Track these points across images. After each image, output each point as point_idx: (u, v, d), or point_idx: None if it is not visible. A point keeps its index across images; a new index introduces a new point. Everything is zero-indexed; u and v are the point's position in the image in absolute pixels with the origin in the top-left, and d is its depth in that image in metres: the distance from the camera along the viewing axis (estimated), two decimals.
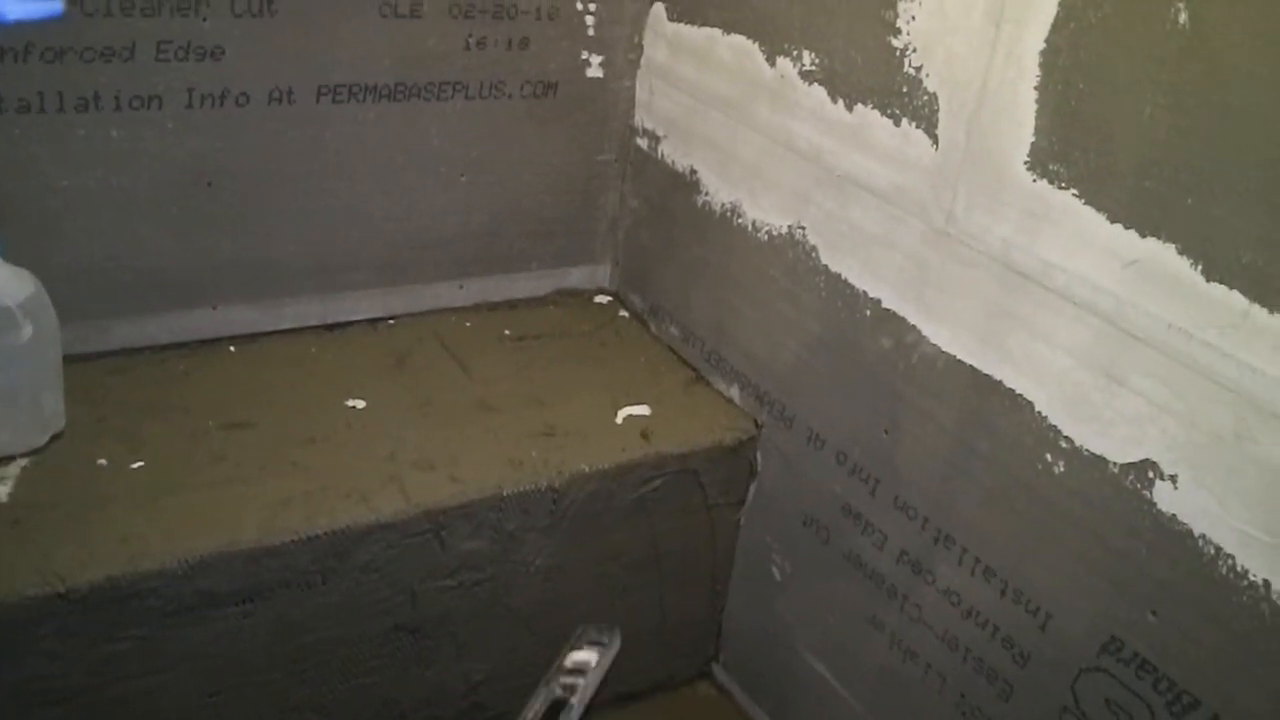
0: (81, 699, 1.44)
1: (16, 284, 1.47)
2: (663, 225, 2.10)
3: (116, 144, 1.67)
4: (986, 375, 1.45)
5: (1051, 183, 1.32)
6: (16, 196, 1.63)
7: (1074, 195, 1.29)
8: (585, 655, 1.60)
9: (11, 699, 1.39)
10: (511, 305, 2.19)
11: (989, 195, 1.41)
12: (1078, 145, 1.28)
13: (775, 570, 1.90)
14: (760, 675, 2.00)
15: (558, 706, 1.51)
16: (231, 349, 1.89)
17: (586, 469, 1.74)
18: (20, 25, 0.59)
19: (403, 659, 1.70)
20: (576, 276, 2.27)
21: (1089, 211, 1.28)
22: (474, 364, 1.97)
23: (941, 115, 1.46)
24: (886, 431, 1.62)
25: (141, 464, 1.58)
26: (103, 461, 1.57)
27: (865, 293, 1.63)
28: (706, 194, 1.95)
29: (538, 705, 1.51)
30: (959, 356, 1.49)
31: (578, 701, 1.52)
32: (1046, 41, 1.30)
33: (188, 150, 1.73)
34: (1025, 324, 1.38)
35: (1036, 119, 1.33)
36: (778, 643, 1.92)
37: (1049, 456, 1.38)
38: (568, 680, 1.56)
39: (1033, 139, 1.34)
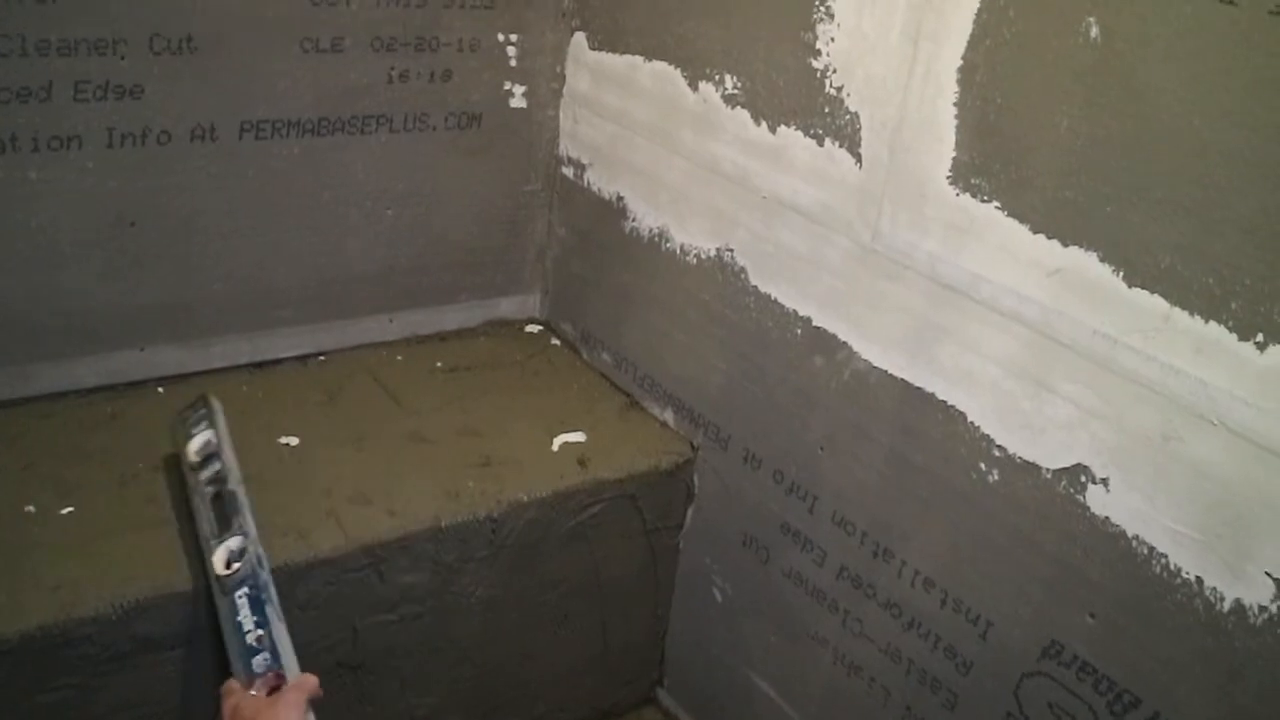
0: None
1: None
2: (591, 253, 2.11)
3: (35, 185, 1.65)
4: (918, 388, 1.47)
5: (974, 196, 1.35)
6: None
7: (996, 208, 1.32)
8: (201, 437, 1.59)
9: None
10: (442, 337, 2.18)
11: (914, 211, 1.43)
12: (998, 158, 1.31)
13: (716, 592, 1.90)
14: (706, 698, 2.00)
15: (221, 503, 1.49)
16: (160, 390, 1.86)
17: (524, 498, 1.73)
18: None
19: (346, 696, 1.68)
20: (507, 307, 2.27)
21: (1011, 223, 1.31)
22: (407, 397, 1.96)
23: (864, 134, 1.49)
24: (822, 448, 1.64)
25: (71, 509, 1.55)
26: (30, 508, 1.54)
27: (795, 311, 1.65)
28: (634, 220, 1.96)
29: (205, 514, 1.48)
30: (890, 371, 1.51)
31: (231, 480, 1.50)
32: (963, 58, 1.33)
33: (109, 190, 1.71)
34: (954, 336, 1.41)
35: (957, 134, 1.36)
36: (722, 664, 1.92)
37: (983, 465, 1.40)
38: (206, 474, 1.54)
39: (954, 154, 1.36)
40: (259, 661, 1.33)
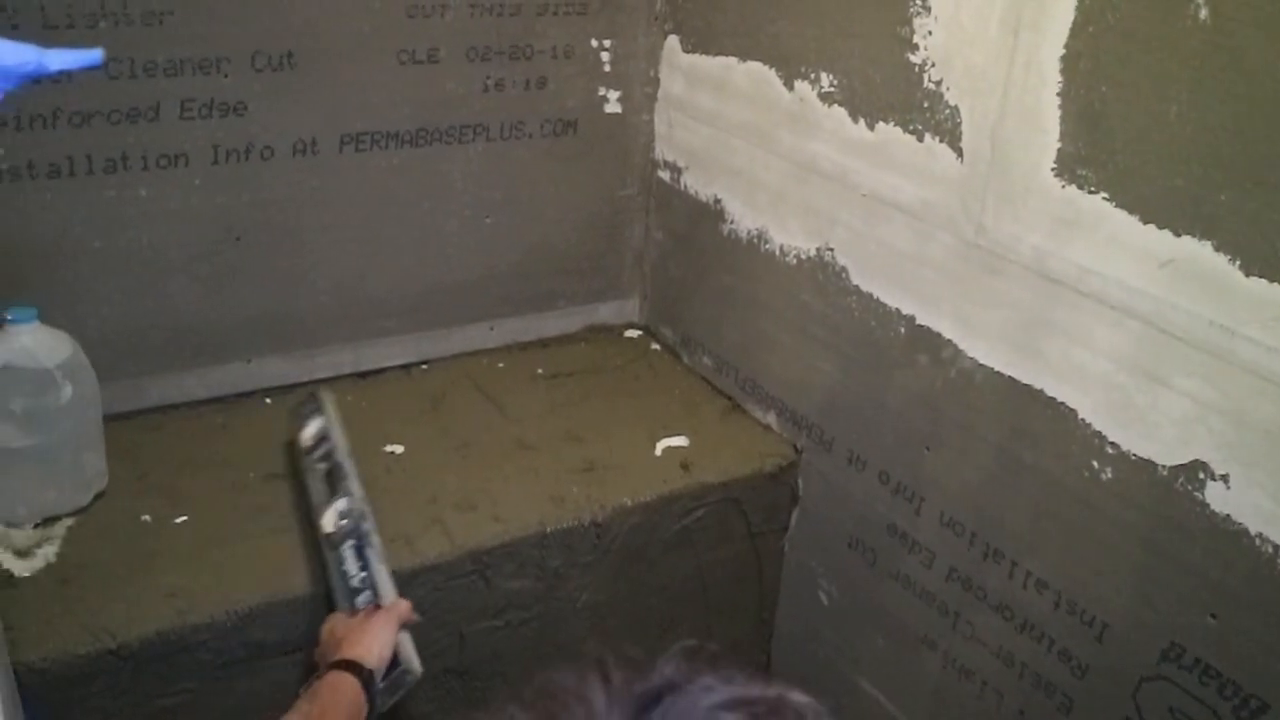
0: None
1: (55, 346, 1.48)
2: (689, 256, 2.10)
3: (146, 203, 1.69)
4: (1026, 385, 1.44)
5: (1080, 187, 1.31)
6: (51, 260, 1.66)
7: (1104, 199, 1.29)
8: (314, 424, 1.66)
9: None
10: (543, 344, 2.19)
11: (1017, 204, 1.40)
12: (1104, 148, 1.28)
13: (823, 595, 1.88)
14: None
15: (332, 475, 1.56)
16: (267, 401, 1.90)
17: (628, 502, 1.73)
18: (61, 75, 0.60)
19: (453, 702, 1.69)
20: (606, 312, 2.27)
21: (1120, 214, 1.27)
22: (509, 404, 1.97)
23: (964, 127, 1.46)
24: (928, 448, 1.61)
25: (185, 518, 1.59)
26: (146, 518, 1.58)
27: (898, 310, 1.62)
28: (732, 222, 1.95)
29: (316, 488, 1.56)
30: (997, 368, 1.48)
31: (341, 458, 1.58)
32: (1066, 47, 1.30)
33: (215, 206, 1.75)
34: (1063, 331, 1.37)
35: (1061, 125, 1.32)
36: (829, 668, 1.90)
37: (1095, 463, 1.36)
38: (318, 454, 1.61)
39: (1059, 145, 1.33)
40: (361, 600, 1.40)
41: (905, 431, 1.65)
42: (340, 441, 1.62)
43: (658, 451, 1.87)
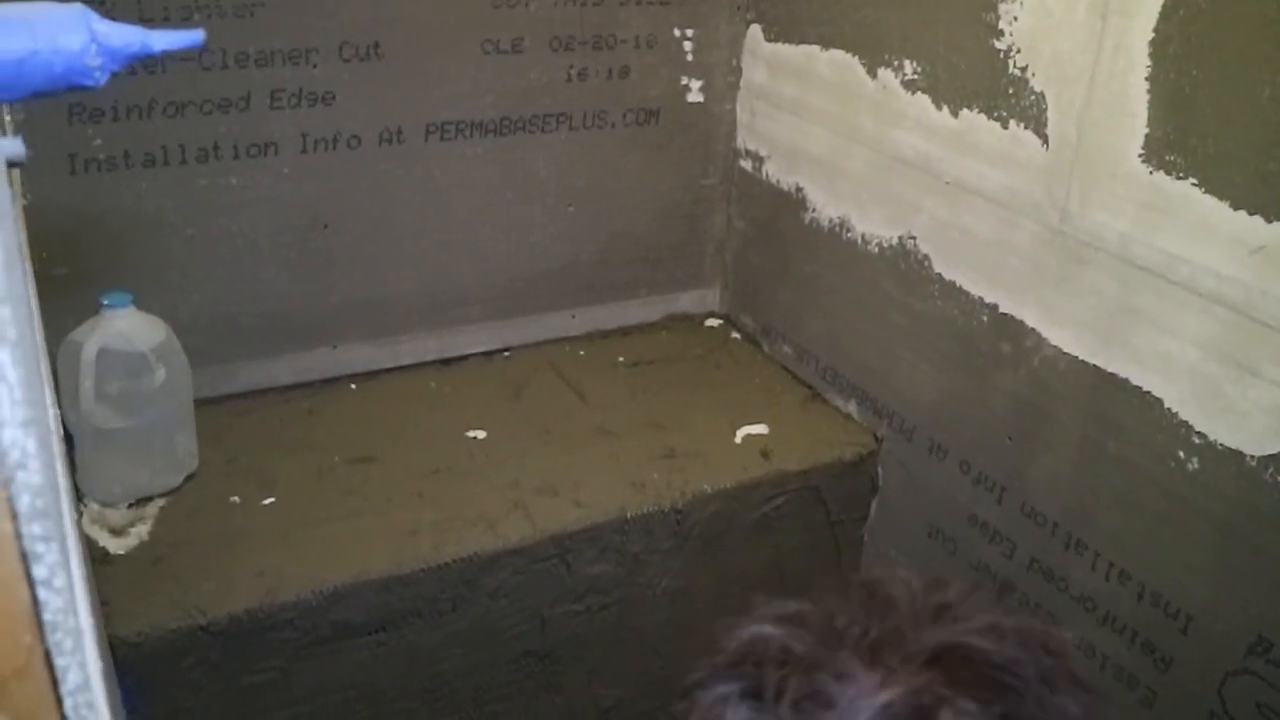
0: None
1: (149, 331, 1.53)
2: (771, 245, 2.10)
3: (237, 191, 1.73)
4: (1111, 374, 1.42)
5: (1169, 173, 1.29)
6: (145, 247, 1.70)
7: (1193, 184, 1.27)
8: None
9: None
10: (624, 332, 2.21)
11: (1104, 191, 1.39)
12: (1194, 133, 1.26)
13: None
14: None
15: None
16: (352, 386, 1.94)
17: (709, 489, 1.74)
18: (165, 54, 0.62)
19: (533, 685, 1.71)
20: (686, 301, 2.28)
21: (1210, 200, 1.25)
22: (590, 391, 1.99)
23: (1050, 114, 1.44)
24: (1010, 438, 1.60)
25: (273, 500, 1.63)
26: (236, 499, 1.62)
27: (981, 298, 1.61)
28: (814, 211, 1.95)
29: None
30: (1081, 357, 1.46)
31: None
32: (1155, 30, 1.28)
33: (304, 194, 1.79)
34: (1149, 319, 1.36)
35: (1149, 110, 1.31)
36: None
37: (1181, 453, 1.34)
38: None
39: (1146, 130, 1.31)
40: None
41: (987, 421, 1.64)
42: None
43: (738, 439, 1.87)
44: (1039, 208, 1.49)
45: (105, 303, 1.50)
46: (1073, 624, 1.54)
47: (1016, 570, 1.63)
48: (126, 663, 1.36)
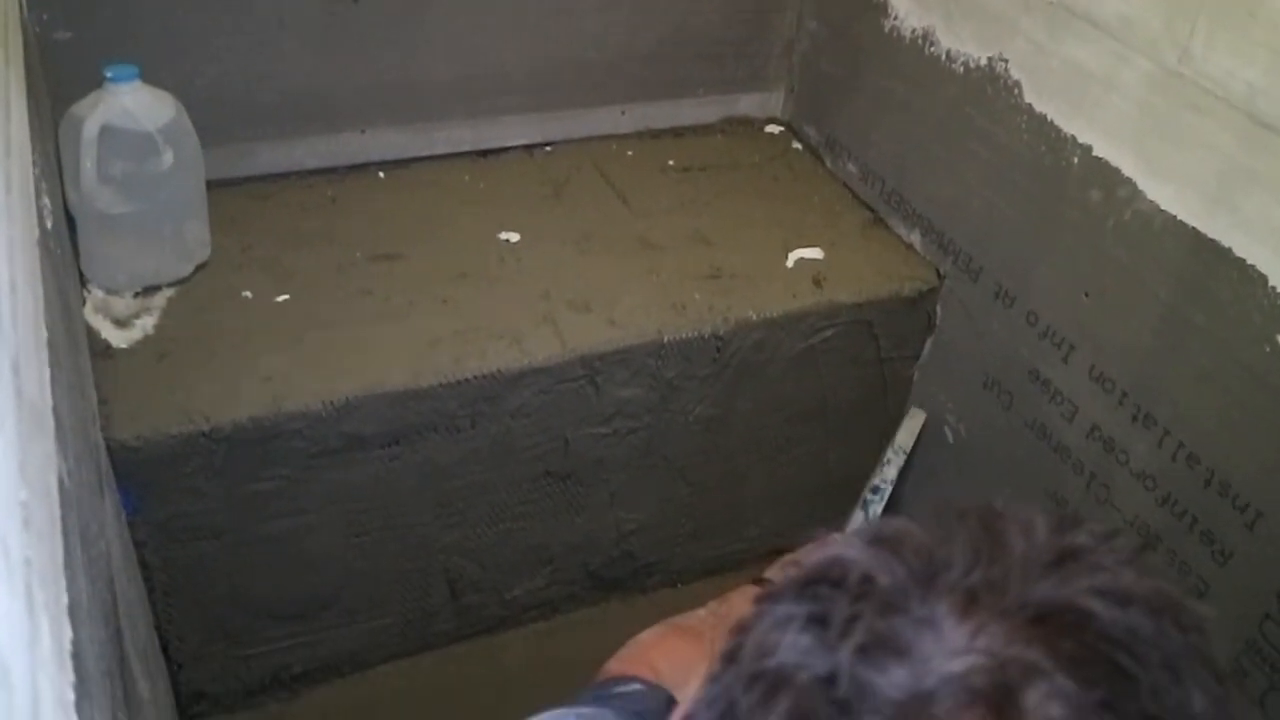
0: (227, 536, 1.43)
1: (157, 108, 1.40)
2: (844, 51, 1.92)
3: None
4: (1213, 240, 1.28)
5: None
6: (155, 13, 1.55)
7: None
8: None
9: (160, 534, 1.38)
10: (676, 133, 2.05)
11: (1237, 31, 1.21)
12: None
13: (949, 431, 1.78)
14: None
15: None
16: (380, 175, 1.81)
17: (754, 316, 1.63)
18: None
19: (553, 505, 1.65)
20: (747, 104, 2.11)
21: None
22: (635, 196, 1.85)
23: None
24: (1087, 294, 1.47)
25: (286, 297, 1.53)
26: (247, 294, 1.52)
27: (1074, 137, 1.45)
28: (896, 18, 1.76)
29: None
30: (1180, 217, 1.31)
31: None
32: None
33: None
34: (1267, 185, 1.20)
35: None
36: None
37: (1279, 338, 1.21)
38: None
39: None
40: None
41: (1064, 272, 1.50)
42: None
43: (789, 262, 1.74)
44: (1155, 43, 1.31)
45: (108, 75, 1.36)
46: (1128, 500, 1.44)
47: (1075, 436, 1.52)
48: (125, 466, 1.29)
